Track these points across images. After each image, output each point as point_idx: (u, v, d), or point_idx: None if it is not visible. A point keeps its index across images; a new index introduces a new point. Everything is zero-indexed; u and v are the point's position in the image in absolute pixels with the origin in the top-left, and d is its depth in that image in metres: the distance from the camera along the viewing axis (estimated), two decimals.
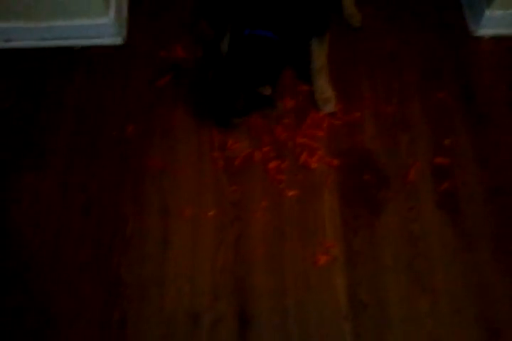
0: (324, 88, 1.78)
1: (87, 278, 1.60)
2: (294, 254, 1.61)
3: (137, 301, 1.57)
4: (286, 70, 1.84)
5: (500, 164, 1.72)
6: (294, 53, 1.75)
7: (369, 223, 1.63)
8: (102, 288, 1.59)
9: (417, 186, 1.68)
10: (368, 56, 1.92)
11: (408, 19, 2.00)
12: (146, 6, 2.07)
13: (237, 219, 1.66)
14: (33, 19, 1.97)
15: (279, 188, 1.70)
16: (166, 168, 1.76)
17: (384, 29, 1.98)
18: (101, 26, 1.98)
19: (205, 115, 1.81)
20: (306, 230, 1.64)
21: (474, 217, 1.63)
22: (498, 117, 1.79)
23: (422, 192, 1.68)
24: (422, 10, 2.02)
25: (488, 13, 1.87)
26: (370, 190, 1.68)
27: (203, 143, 1.80)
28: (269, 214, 1.67)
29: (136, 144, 1.80)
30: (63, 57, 1.99)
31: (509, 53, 1.91)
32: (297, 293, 1.55)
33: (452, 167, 1.71)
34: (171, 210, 1.69)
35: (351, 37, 1.96)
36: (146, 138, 1.81)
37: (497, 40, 1.94)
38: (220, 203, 1.69)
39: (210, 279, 1.59)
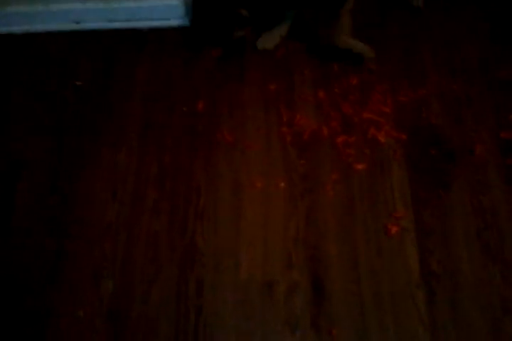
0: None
1: (163, 245, 1.67)
2: (365, 225, 1.66)
3: (213, 269, 1.63)
4: None
5: None
6: None
7: (438, 195, 1.68)
8: (179, 256, 1.65)
9: (483, 160, 1.72)
10: (430, 36, 1.96)
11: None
12: None
13: (308, 191, 1.72)
14: (102, 0, 2.02)
15: (348, 162, 1.75)
16: (236, 142, 1.81)
17: (445, 9, 2.02)
18: (170, 7, 2.02)
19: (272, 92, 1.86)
20: (377, 202, 1.68)
21: None
22: None
23: (489, 166, 1.72)
24: None
25: None
26: (438, 164, 1.72)
27: (271, 118, 1.85)
28: (338, 186, 1.72)
29: (207, 119, 1.86)
30: (132, 38, 2.05)
31: None
32: (369, 262, 1.60)
33: None
34: (242, 182, 1.75)
35: (414, 17, 2.00)
36: (216, 114, 1.86)
37: None
38: (290, 176, 1.75)
39: (283, 249, 1.64)
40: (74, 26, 2.11)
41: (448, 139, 1.76)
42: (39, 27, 2.12)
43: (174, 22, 2.06)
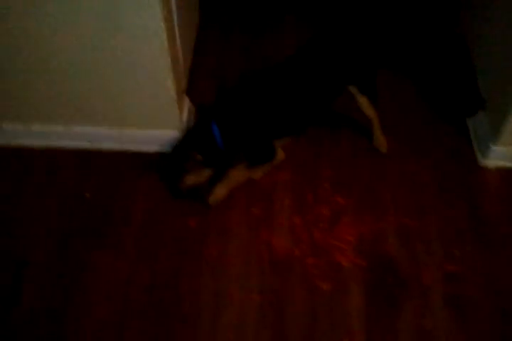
0: None
1: None
2: (324, 338, 1.90)
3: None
4: (321, 184, 2.24)
5: (502, 273, 2.05)
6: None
7: (389, 317, 1.94)
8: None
9: (429, 287, 2.00)
10: (391, 176, 2.33)
11: (425, 148, 2.43)
12: None
13: (278, 304, 1.97)
14: (116, 126, 2.38)
15: (314, 281, 2.03)
16: (220, 256, 2.10)
17: (405, 155, 2.40)
18: (173, 138, 2.37)
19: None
20: (336, 319, 1.93)
21: (478, 317, 1.93)
22: (500, 235, 2.14)
23: (433, 293, 1.99)
24: (438, 141, 2.45)
25: (492, 148, 2.27)
26: (390, 289, 2.01)
27: (251, 237, 2.15)
28: (305, 302, 1.98)
29: (197, 235, 2.15)
30: (137, 160, 2.38)
31: (510, 182, 2.31)
32: None
33: (460, 274, 2.03)
34: (222, 292, 2.01)
35: (378, 160, 2.38)
36: (205, 231, 2.16)
37: (500, 170, 2.34)
38: (264, 289, 2.01)
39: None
40: (87, 145, 2.44)
41: (401, 267, 2.05)
42: (57, 143, 2.45)
43: None
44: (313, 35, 2.25)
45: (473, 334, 1.90)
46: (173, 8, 2.10)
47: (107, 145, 2.45)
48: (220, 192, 2.22)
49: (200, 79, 2.68)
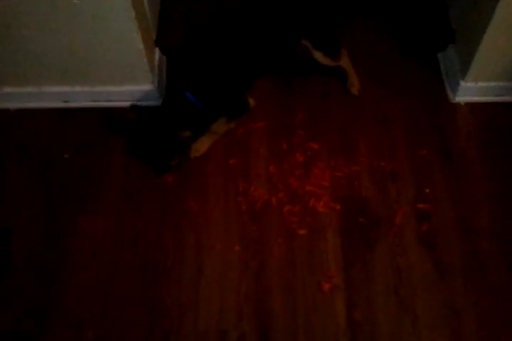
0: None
1: (135, 301, 1.99)
2: (303, 282, 2.00)
3: (177, 321, 1.95)
4: (295, 131, 2.27)
5: (472, 208, 2.12)
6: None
7: (364, 257, 2.03)
8: (147, 310, 1.97)
9: (402, 227, 2.08)
10: (364, 119, 2.34)
11: (398, 89, 2.43)
12: None
13: (258, 253, 2.06)
14: (88, 84, 2.39)
15: (292, 228, 2.10)
16: (200, 209, 2.16)
17: (377, 97, 2.41)
18: (146, 92, 2.39)
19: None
20: (314, 263, 2.03)
21: (448, 254, 2.02)
22: (471, 171, 2.19)
23: (406, 232, 2.07)
24: (410, 81, 2.44)
25: (462, 84, 2.28)
26: (364, 230, 2.08)
27: (230, 189, 2.21)
28: (283, 249, 2.06)
29: (176, 190, 2.21)
30: (113, 116, 2.41)
31: (480, 117, 2.33)
32: (306, 313, 1.94)
33: (432, 211, 2.10)
34: (204, 245, 2.09)
35: (350, 102, 2.39)
36: (184, 185, 2.22)
37: (471, 106, 2.35)
38: (244, 240, 2.09)
39: (236, 303, 1.97)
40: (62, 104, 2.46)
41: (374, 209, 2.12)
42: (31, 104, 2.47)
43: (150, 103, 2.41)
44: None
45: (443, 270, 1.99)
46: None
47: (82, 103, 2.46)
48: (203, 146, 2.26)
49: (170, 27, 2.64)
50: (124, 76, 2.34)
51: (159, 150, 2.14)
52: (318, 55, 2.23)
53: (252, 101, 2.28)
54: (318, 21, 2.15)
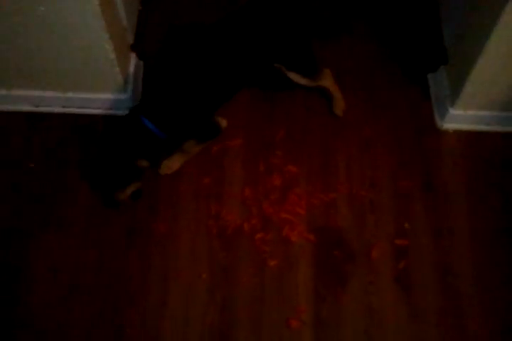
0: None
1: (93, 331, 1.90)
2: (271, 317, 1.92)
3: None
4: (274, 151, 2.17)
5: (452, 248, 2.03)
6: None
7: (336, 292, 1.95)
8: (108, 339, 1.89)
9: (378, 263, 1.99)
10: (346, 143, 2.23)
11: (385, 111, 2.31)
12: None
13: (226, 283, 1.97)
14: (60, 90, 2.27)
15: (263, 257, 2.01)
16: (168, 232, 2.06)
17: (362, 119, 2.29)
18: (119, 100, 2.27)
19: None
20: (284, 296, 1.95)
21: (424, 294, 1.94)
22: (452, 205, 2.10)
23: (381, 269, 1.98)
24: (398, 104, 2.33)
25: (451, 111, 2.18)
26: (338, 264, 2.00)
27: (201, 210, 2.11)
28: (253, 280, 1.97)
29: (145, 210, 2.10)
30: (84, 124, 2.29)
31: (467, 147, 2.23)
32: None
33: (410, 248, 2.02)
34: (170, 271, 2.00)
35: (334, 123, 2.28)
36: (153, 205, 2.11)
37: (459, 134, 2.25)
38: (212, 267, 2.00)
39: (201, 334, 1.89)
40: (33, 108, 2.34)
41: (350, 242, 2.03)
42: (1, 107, 2.34)
43: (124, 112, 2.28)
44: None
45: (417, 313, 1.91)
46: None
47: (53, 108, 2.35)
48: (175, 164, 2.15)
49: (148, 31, 2.50)
50: (95, 84, 2.22)
51: (113, 178, 1.96)
52: (294, 76, 2.11)
53: (223, 123, 2.16)
54: (288, 43, 2.00)
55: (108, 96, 2.28)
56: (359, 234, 2.05)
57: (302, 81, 2.13)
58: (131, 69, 2.32)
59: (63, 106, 2.35)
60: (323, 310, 1.92)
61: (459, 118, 2.20)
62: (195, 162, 2.19)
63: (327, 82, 2.20)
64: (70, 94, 2.29)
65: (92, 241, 2.05)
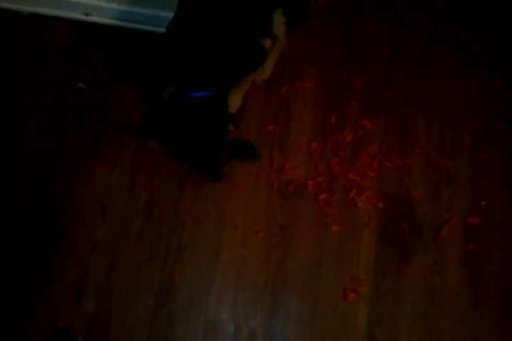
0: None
1: (142, 276, 1.83)
2: (327, 285, 1.84)
3: (185, 305, 1.81)
4: (348, 101, 1.96)
5: None
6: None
7: (398, 268, 1.85)
8: (156, 288, 1.82)
9: (446, 241, 1.88)
10: (430, 98, 2.02)
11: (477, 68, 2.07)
12: None
13: (283, 243, 1.87)
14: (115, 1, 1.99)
15: (325, 220, 1.89)
16: (226, 182, 1.91)
17: (452, 72, 2.05)
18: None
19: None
20: (342, 264, 1.86)
21: (489, 279, 1.85)
22: None
23: (449, 248, 1.88)
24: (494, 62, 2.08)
25: None
26: (405, 237, 1.88)
27: (263, 161, 1.94)
28: (312, 243, 1.87)
29: None
30: (136, 39, 2.04)
31: None
32: (324, 319, 1.81)
33: (482, 229, 1.89)
34: (225, 223, 1.88)
35: (421, 74, 2.04)
36: None
37: None
38: (270, 225, 1.88)
39: (251, 295, 1.83)
40: (82, 17, 2.08)
41: (420, 214, 1.90)
42: (48, 11, 2.07)
43: None
44: None
45: (480, 299, 1.83)
46: None
47: (105, 20, 2.07)
48: (233, 102, 1.91)
49: None
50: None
51: (211, 156, 1.69)
52: None
53: (267, 43, 1.79)
54: None
55: (161, 13, 2.01)
56: (431, 207, 1.92)
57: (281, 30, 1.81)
58: None
59: (116, 19, 2.07)
60: (382, 285, 1.84)
61: None
62: (260, 104, 1.98)
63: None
64: (126, 8, 2.02)
65: (144, 178, 1.92)
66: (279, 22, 1.76)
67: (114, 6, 2.03)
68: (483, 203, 1.92)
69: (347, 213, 1.90)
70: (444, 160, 1.96)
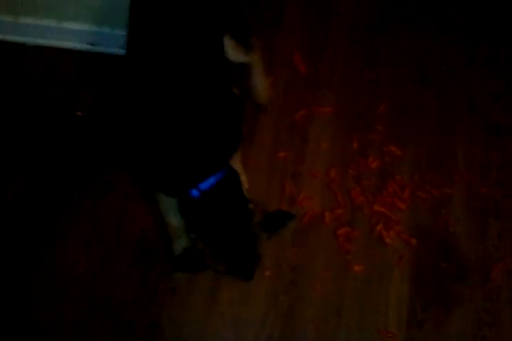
0: None
1: (125, 319, 1.49)
2: (347, 338, 1.45)
3: None
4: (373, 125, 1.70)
5: None
6: None
7: (438, 319, 1.47)
8: (139, 333, 1.48)
9: (498, 286, 1.50)
10: (469, 122, 1.74)
11: None
12: None
13: (293, 286, 1.53)
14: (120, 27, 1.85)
15: (345, 259, 1.55)
16: None
17: (495, 92, 1.79)
18: None
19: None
20: (367, 313, 1.50)
21: None
22: None
23: (503, 294, 1.50)
24: None
25: None
26: (445, 281, 1.52)
27: (272, 190, 1.66)
28: (328, 286, 1.53)
29: None
30: None
31: None
32: None
33: None
34: None
35: (455, 97, 1.79)
36: None
37: None
38: (279, 264, 1.55)
39: None
40: (87, 47, 1.95)
41: (464, 253, 1.54)
42: (51, 42, 1.96)
43: None
44: None
45: None
46: None
47: (111, 49, 1.93)
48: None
49: None
50: None
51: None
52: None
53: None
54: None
55: None
56: (477, 244, 1.56)
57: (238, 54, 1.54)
58: None
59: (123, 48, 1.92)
60: (418, 339, 1.44)
61: None
62: (272, 129, 1.73)
63: (255, 55, 1.62)
64: None
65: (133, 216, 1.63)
66: (230, 46, 1.50)
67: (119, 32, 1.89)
68: None
69: (372, 251, 1.57)
70: (491, 189, 1.62)
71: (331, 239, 1.59)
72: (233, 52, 1.51)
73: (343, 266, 1.55)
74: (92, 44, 1.96)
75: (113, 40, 1.92)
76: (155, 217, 1.58)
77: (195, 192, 1.31)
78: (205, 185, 1.31)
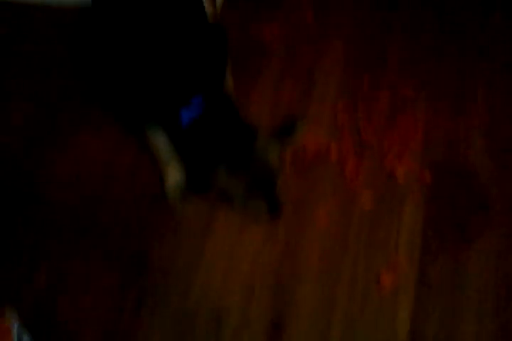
0: None
1: (113, 245, 1.37)
2: (353, 268, 1.32)
3: (163, 284, 1.31)
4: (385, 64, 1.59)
5: None
6: None
7: (455, 250, 1.31)
8: (126, 260, 1.34)
9: None
10: (489, 66, 1.63)
11: None
12: None
13: (296, 217, 1.37)
14: None
15: (353, 193, 1.41)
16: None
17: None
18: None
19: None
20: (375, 246, 1.34)
21: None
22: None
23: None
24: None
25: None
26: (464, 213, 1.37)
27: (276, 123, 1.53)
28: (334, 219, 1.38)
29: None
30: None
31: None
32: (348, 312, 1.26)
33: None
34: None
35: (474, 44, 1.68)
36: None
37: None
38: (282, 195, 1.40)
39: (247, 276, 1.31)
40: None
41: (484, 184, 1.40)
42: None
43: None
44: None
45: None
46: None
47: None
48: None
49: None
50: None
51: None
52: None
53: None
54: None
55: None
56: (498, 174, 1.42)
57: None
58: None
59: None
60: (433, 271, 1.30)
61: None
62: (278, 60, 1.63)
63: None
64: None
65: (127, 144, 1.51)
66: None
67: None
68: None
69: (383, 187, 1.43)
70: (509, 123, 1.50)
71: (339, 173, 1.45)
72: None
73: (349, 199, 1.41)
74: None
75: None
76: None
77: (185, 118, 1.24)
78: (194, 109, 1.24)
